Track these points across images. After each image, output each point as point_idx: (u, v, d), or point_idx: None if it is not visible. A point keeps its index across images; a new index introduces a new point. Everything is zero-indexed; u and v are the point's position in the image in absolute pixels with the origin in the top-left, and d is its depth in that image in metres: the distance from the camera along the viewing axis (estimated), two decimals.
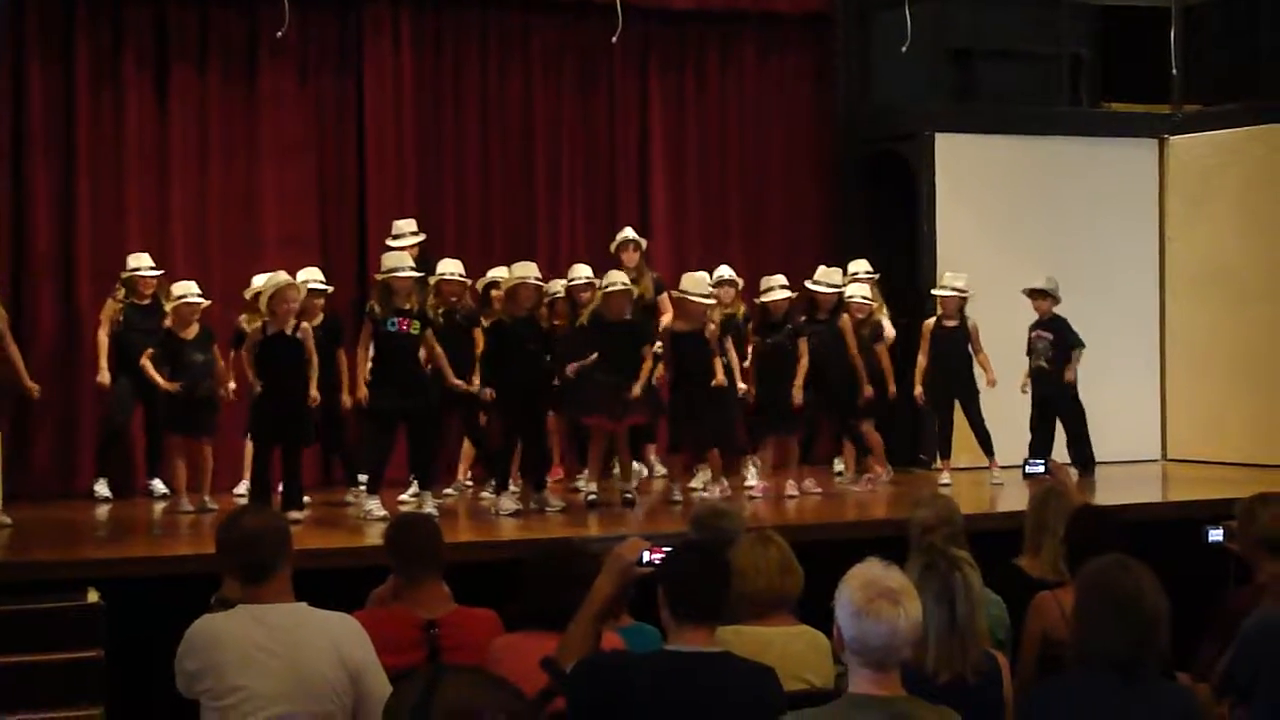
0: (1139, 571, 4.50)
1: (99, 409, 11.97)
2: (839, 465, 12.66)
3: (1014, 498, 10.57)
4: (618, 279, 10.98)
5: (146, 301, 11.55)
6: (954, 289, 12.13)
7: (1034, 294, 12.28)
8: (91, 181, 12.39)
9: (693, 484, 11.53)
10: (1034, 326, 12.33)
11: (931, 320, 12.25)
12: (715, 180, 14.32)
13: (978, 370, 12.17)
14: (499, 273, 11.50)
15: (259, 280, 11.22)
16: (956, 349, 12.12)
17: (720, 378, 11.11)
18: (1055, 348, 12.20)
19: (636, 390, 10.72)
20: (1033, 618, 6.15)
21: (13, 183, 12.14)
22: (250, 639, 4.60)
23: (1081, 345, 12.20)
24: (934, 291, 12.42)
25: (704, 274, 11.52)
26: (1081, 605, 4.60)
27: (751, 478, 11.79)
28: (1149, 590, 4.47)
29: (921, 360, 12.20)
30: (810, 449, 12.39)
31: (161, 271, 11.63)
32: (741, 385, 11.54)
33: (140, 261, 11.59)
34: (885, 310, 12.43)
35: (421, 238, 11.81)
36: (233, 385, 11.05)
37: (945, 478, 11.99)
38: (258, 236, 12.76)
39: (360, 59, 13.18)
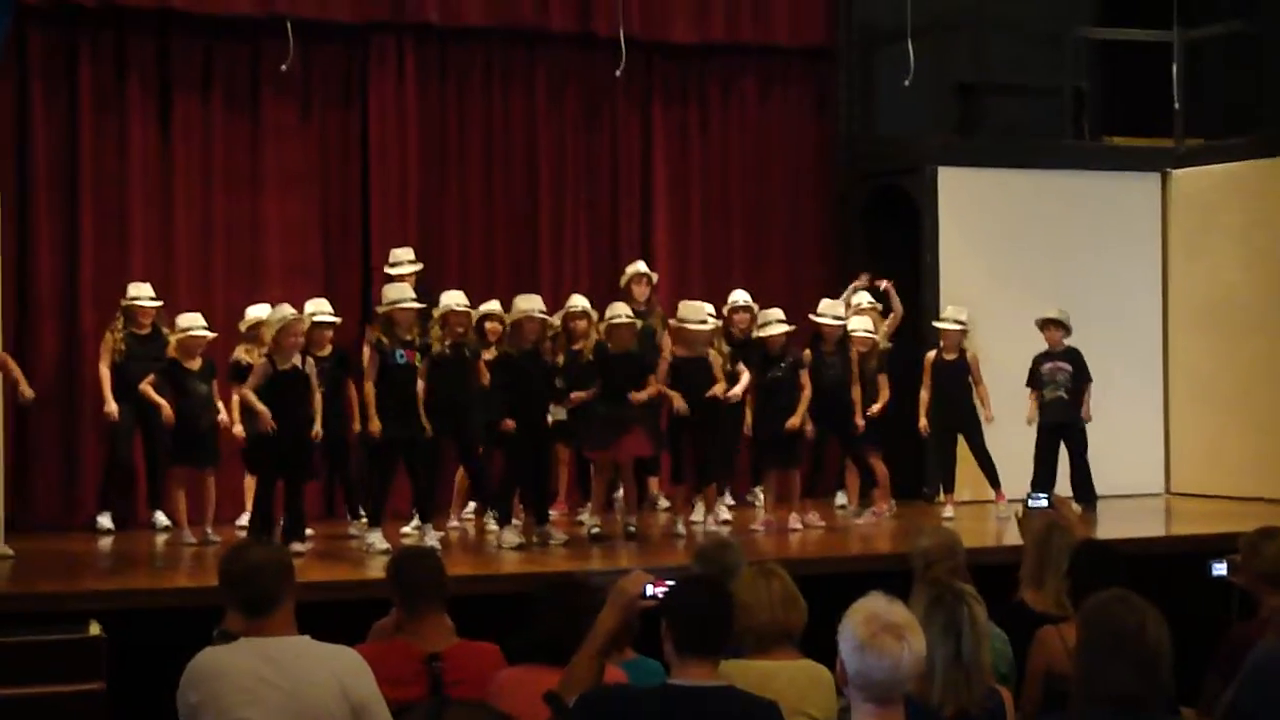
0: (1141, 606, 4.48)
1: (101, 440, 11.97)
2: (841, 499, 12.64)
3: (1018, 532, 10.55)
4: (621, 311, 11.00)
5: (146, 331, 11.56)
6: (955, 322, 12.16)
7: (1047, 324, 12.31)
8: (95, 211, 12.41)
9: (694, 516, 11.51)
10: (1046, 357, 12.33)
11: (933, 353, 12.28)
12: (718, 212, 14.34)
13: (979, 403, 12.19)
14: (493, 305, 11.49)
15: (254, 311, 11.25)
16: (958, 382, 12.15)
17: (720, 389, 11.11)
18: (1074, 379, 12.25)
19: (641, 396, 10.73)
20: (1036, 652, 6.13)
21: (17, 212, 12.12)
22: (253, 672, 4.59)
23: (1090, 379, 12.25)
24: (935, 324, 12.43)
25: (702, 303, 11.53)
26: (1084, 640, 4.57)
27: (722, 514, 11.76)
28: (1151, 625, 4.45)
29: (924, 394, 12.22)
30: (814, 482, 12.38)
31: (161, 302, 11.64)
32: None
33: (140, 291, 11.60)
34: (884, 327, 12.43)
35: (419, 267, 11.80)
36: (238, 428, 11.03)
37: (948, 511, 11.99)
38: (261, 267, 12.78)
39: (364, 91, 13.23)
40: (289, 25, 12.52)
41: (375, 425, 10.40)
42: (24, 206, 12.23)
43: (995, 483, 12.18)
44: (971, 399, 12.19)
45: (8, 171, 11.92)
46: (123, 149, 12.55)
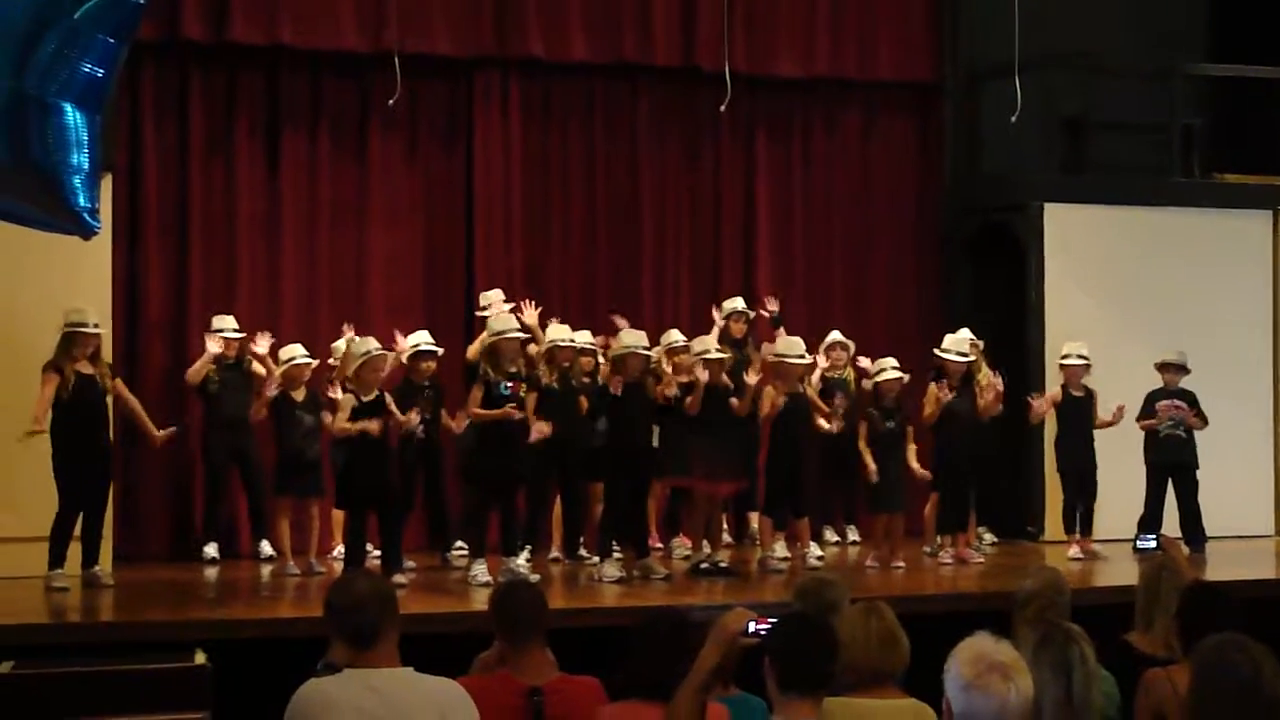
0: (1258, 653, 4.40)
1: (204, 471, 12.10)
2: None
3: (1121, 572, 10.48)
4: (711, 345, 11.03)
5: (231, 362, 11.68)
6: (1078, 357, 12.08)
7: (1165, 367, 12.29)
8: (203, 244, 12.60)
9: (780, 551, 11.41)
10: (1162, 394, 12.25)
11: (1058, 390, 12.17)
12: (820, 247, 14.31)
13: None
14: (585, 337, 11.65)
15: (340, 345, 11.33)
16: (1085, 419, 12.12)
17: (823, 422, 11.49)
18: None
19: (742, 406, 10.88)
20: (1144, 695, 6.01)
21: (128, 246, 12.31)
22: (357, 704, 4.59)
23: (1206, 423, 12.12)
24: (1061, 362, 12.26)
25: (798, 338, 11.53)
26: (1197, 687, 4.49)
27: (815, 550, 11.67)
28: (1268, 672, 4.37)
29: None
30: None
31: (245, 335, 11.73)
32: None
33: (225, 323, 11.72)
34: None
35: (511, 306, 11.80)
36: None
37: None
38: (365, 301, 12.87)
39: (470, 125, 13.32)
40: (396, 60, 12.61)
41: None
42: (134, 239, 12.42)
43: (1088, 527, 12.16)
44: (1093, 437, 12.10)
45: (120, 204, 12.06)
46: (231, 182, 12.72)
